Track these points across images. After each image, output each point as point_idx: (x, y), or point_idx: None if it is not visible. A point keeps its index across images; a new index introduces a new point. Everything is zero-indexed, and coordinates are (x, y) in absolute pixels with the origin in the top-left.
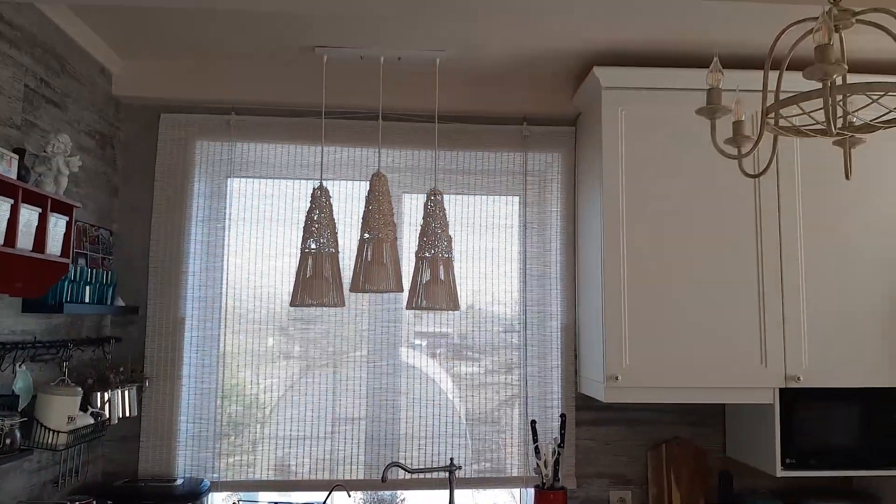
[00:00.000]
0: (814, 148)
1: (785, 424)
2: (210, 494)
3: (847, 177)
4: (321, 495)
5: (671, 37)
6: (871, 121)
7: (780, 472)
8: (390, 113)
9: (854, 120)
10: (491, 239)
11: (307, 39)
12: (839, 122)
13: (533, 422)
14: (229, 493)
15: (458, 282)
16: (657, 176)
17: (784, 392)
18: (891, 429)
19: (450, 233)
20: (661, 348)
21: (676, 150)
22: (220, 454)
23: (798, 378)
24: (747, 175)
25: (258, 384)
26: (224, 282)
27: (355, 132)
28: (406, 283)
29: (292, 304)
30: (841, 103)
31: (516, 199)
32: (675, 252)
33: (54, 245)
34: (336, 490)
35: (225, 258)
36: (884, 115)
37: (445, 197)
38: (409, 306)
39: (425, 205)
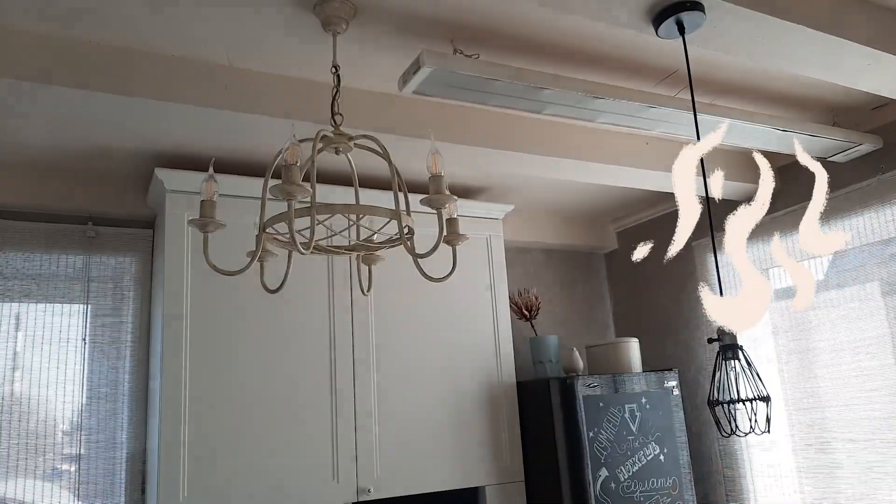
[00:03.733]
0: (383, 270)
1: None
2: None
3: (363, 292)
4: None
5: (228, 145)
6: (368, 241)
7: None
8: None
9: (371, 238)
10: (48, 356)
11: None
12: (352, 240)
13: None
14: None
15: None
16: (225, 288)
17: None
18: None
19: None
20: (227, 474)
21: (245, 261)
22: None
23: (369, 490)
24: (268, 290)
25: None
26: None
27: None
28: None
29: None
30: (353, 224)
31: (81, 308)
32: (244, 372)
33: None
34: None
35: None
36: (395, 236)
37: None
38: None
39: None
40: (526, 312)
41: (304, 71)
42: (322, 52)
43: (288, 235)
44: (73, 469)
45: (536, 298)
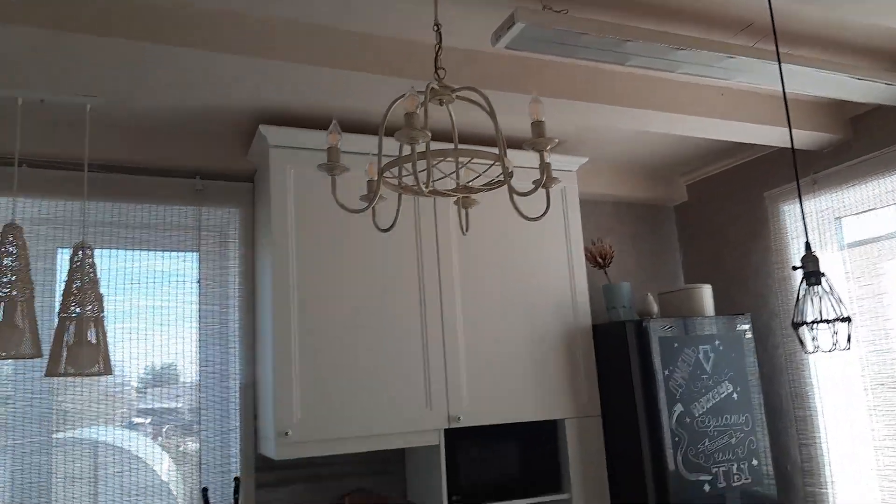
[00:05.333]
0: (470, 217)
1: (450, 463)
2: None
3: (463, 232)
4: None
5: (332, 102)
6: (469, 184)
7: None
8: (34, 159)
9: (471, 183)
10: (166, 297)
11: None
12: (454, 183)
13: (205, 489)
14: None
15: (130, 344)
16: (326, 234)
17: (449, 432)
18: (544, 459)
19: (102, 290)
20: (333, 400)
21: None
22: None
23: (459, 418)
24: (380, 230)
25: None
26: None
27: None
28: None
29: None
30: (462, 166)
31: (193, 254)
32: (345, 307)
33: None
34: None
35: None
36: (494, 179)
37: (111, 252)
38: (49, 373)
39: (71, 259)
40: (600, 260)
41: (402, 31)
42: (417, 12)
43: (398, 179)
44: (193, 396)
45: (610, 247)
